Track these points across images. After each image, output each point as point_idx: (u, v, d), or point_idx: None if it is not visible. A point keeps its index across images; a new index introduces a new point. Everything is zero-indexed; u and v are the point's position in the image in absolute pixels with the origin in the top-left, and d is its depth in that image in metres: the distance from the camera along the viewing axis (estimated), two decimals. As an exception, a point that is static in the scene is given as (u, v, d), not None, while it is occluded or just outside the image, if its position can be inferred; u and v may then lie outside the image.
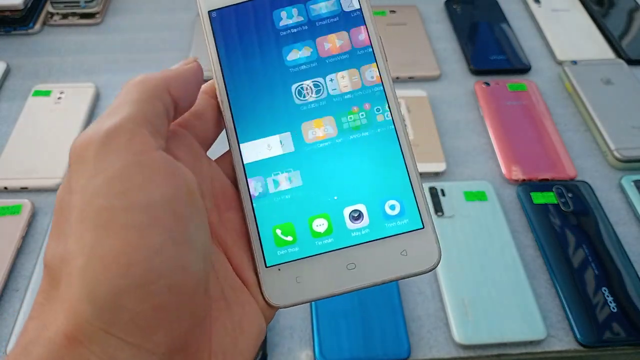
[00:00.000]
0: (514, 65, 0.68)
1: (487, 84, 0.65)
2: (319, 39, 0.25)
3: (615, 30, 0.73)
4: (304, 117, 0.24)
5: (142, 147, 0.19)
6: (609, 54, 0.70)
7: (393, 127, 0.24)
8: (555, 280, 0.48)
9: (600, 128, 0.60)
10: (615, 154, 0.58)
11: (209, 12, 0.25)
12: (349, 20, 0.25)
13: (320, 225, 0.23)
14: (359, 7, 0.25)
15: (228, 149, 0.25)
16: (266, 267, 0.23)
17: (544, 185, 0.55)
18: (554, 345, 0.45)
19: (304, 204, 0.24)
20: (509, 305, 0.46)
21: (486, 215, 0.52)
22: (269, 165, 0.24)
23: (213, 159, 0.25)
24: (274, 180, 0.24)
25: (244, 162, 0.24)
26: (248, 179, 0.24)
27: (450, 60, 0.70)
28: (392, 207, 0.23)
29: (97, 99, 0.64)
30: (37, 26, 0.72)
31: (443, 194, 0.54)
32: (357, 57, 0.24)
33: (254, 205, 0.24)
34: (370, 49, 0.24)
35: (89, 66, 0.69)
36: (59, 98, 0.63)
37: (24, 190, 0.55)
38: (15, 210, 0.52)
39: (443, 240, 0.50)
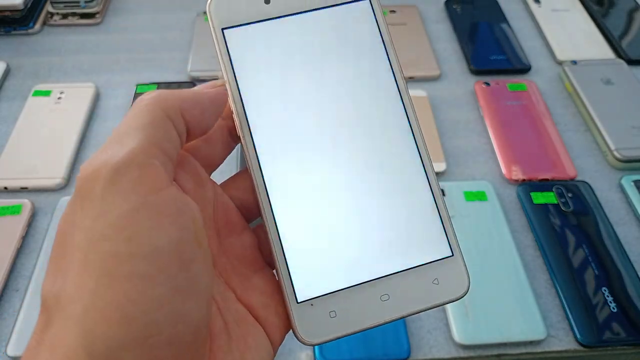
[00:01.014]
0: (514, 65, 0.68)
1: (487, 84, 0.65)
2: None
3: (615, 30, 0.73)
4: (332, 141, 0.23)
5: (152, 184, 0.18)
6: (609, 54, 0.70)
7: (419, 154, 0.24)
8: (555, 280, 0.48)
9: (600, 128, 0.60)
10: (615, 154, 0.58)
11: (222, 29, 0.23)
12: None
13: (352, 256, 0.22)
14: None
15: (236, 172, 0.24)
16: (297, 302, 0.22)
17: (544, 185, 0.55)
18: (554, 345, 0.45)
19: (336, 235, 0.23)
20: (509, 305, 0.46)
21: (486, 215, 0.52)
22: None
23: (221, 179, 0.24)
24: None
25: (271, 200, 0.23)
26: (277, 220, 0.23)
27: (450, 60, 0.70)
28: (423, 236, 0.23)
29: (97, 99, 0.64)
30: (37, 26, 0.72)
31: (443, 194, 0.54)
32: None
33: (282, 237, 0.22)
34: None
35: (89, 66, 0.69)
36: (59, 98, 0.63)
37: (24, 190, 0.55)
38: (15, 210, 0.52)
39: (443, 240, 0.50)
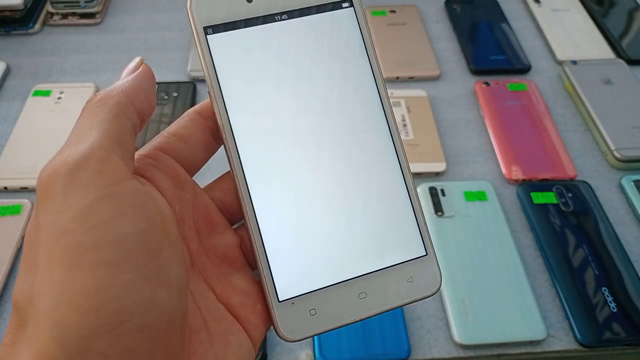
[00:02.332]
0: (514, 65, 0.68)
1: (487, 83, 0.65)
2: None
3: (615, 30, 0.73)
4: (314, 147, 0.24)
5: (113, 177, 0.18)
6: (609, 54, 0.70)
7: (397, 157, 0.24)
8: (555, 280, 0.48)
9: (600, 128, 0.60)
10: (615, 154, 0.58)
11: (204, 28, 0.23)
12: None
13: (331, 255, 0.23)
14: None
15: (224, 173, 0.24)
16: (279, 301, 0.22)
17: (544, 185, 0.55)
18: (554, 345, 0.45)
19: (316, 236, 0.23)
20: (509, 305, 0.46)
21: (486, 215, 0.52)
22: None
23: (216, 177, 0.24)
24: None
25: (253, 200, 0.23)
26: (257, 215, 0.23)
27: (450, 60, 0.70)
28: (399, 236, 0.24)
29: (97, 99, 0.64)
30: (37, 26, 0.72)
31: (443, 194, 0.54)
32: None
33: (264, 237, 0.23)
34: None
35: (89, 66, 0.69)
36: (59, 98, 0.63)
37: (24, 190, 0.55)
38: (15, 210, 0.52)
39: (443, 240, 0.50)
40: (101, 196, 0.18)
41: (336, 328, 0.23)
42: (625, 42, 0.71)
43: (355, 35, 0.25)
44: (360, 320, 0.23)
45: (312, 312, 0.22)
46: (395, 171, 0.24)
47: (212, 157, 0.24)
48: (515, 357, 0.45)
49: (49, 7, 0.74)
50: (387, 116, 0.25)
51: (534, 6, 0.77)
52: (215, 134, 0.24)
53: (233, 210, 0.24)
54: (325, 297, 0.23)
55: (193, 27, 0.23)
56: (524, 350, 0.45)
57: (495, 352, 0.45)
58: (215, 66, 0.23)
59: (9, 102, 0.64)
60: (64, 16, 0.74)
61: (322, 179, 0.24)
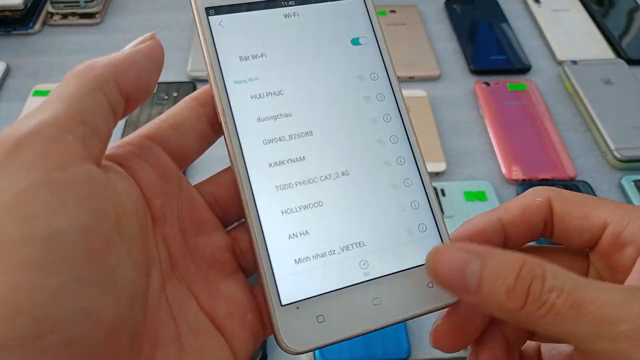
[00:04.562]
0: (514, 65, 0.68)
1: (487, 84, 0.65)
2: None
3: (615, 30, 0.73)
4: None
5: (59, 160, 0.16)
6: (609, 54, 0.70)
7: (412, 154, 0.23)
8: (555, 280, 0.48)
9: (600, 128, 0.60)
10: (615, 154, 0.58)
11: (207, 8, 0.22)
12: None
13: (342, 256, 0.21)
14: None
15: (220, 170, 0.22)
16: (281, 305, 0.20)
17: (544, 185, 0.55)
18: (554, 345, 0.45)
19: (322, 234, 0.21)
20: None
21: (486, 215, 0.52)
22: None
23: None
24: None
25: (254, 190, 0.21)
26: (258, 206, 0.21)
27: (450, 60, 0.70)
28: (417, 237, 0.22)
29: (97, 99, 0.64)
30: (37, 26, 0.72)
31: (443, 194, 0.54)
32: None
33: (265, 234, 0.20)
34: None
35: (89, 66, 0.69)
36: (59, 98, 0.63)
37: (24, 190, 0.55)
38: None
39: (443, 240, 0.50)
40: (40, 181, 0.15)
41: (346, 339, 0.20)
42: (625, 42, 0.71)
43: (365, 27, 0.24)
44: (375, 330, 0.20)
45: (320, 319, 0.20)
46: (410, 167, 0.23)
47: (215, 162, 0.23)
48: (515, 357, 0.45)
49: (49, 7, 0.74)
50: (401, 113, 0.23)
51: (534, 6, 0.77)
52: (213, 123, 0.22)
53: (227, 207, 0.22)
54: (335, 302, 0.20)
55: (194, 7, 0.22)
56: (524, 350, 0.45)
57: (495, 352, 0.45)
58: (217, 48, 0.22)
59: (9, 102, 0.64)
60: (64, 16, 0.74)
61: (332, 173, 0.22)
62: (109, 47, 0.74)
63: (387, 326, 0.21)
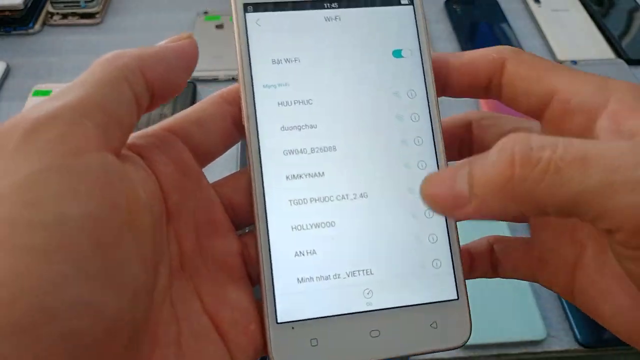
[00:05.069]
0: (514, 65, 0.68)
1: (487, 84, 0.65)
2: None
3: (615, 30, 0.73)
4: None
5: (75, 146, 0.15)
6: (609, 54, 0.70)
7: None
8: (555, 280, 0.48)
9: (600, 128, 0.60)
10: (615, 154, 0.58)
11: (244, 4, 0.21)
12: None
13: (345, 282, 0.20)
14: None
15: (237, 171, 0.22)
16: (277, 323, 0.19)
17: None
18: (554, 345, 0.45)
19: (330, 256, 0.20)
20: (509, 305, 0.46)
21: (486, 215, 0.52)
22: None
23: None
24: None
25: (267, 202, 0.20)
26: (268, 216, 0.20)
27: (450, 60, 0.70)
28: (427, 272, 0.21)
29: (97, 99, 0.64)
30: (37, 26, 0.72)
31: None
32: None
33: (272, 248, 0.20)
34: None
35: (89, 66, 0.69)
36: (59, 98, 0.63)
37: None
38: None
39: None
40: (53, 166, 0.15)
41: None
42: (625, 42, 0.71)
43: (410, 38, 0.22)
44: None
45: (314, 342, 0.19)
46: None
47: (225, 157, 0.22)
48: (515, 357, 0.45)
49: (49, 7, 0.74)
50: (434, 135, 0.22)
51: (534, 6, 0.77)
52: (237, 123, 0.21)
53: (240, 212, 0.21)
54: (331, 328, 0.20)
55: (232, 2, 0.21)
56: (523, 350, 0.45)
57: (495, 352, 0.45)
58: (250, 47, 0.21)
59: (9, 102, 0.64)
60: (64, 16, 0.74)
61: (350, 193, 0.21)
62: (109, 47, 0.73)
63: None
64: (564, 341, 0.45)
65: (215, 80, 0.65)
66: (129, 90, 0.17)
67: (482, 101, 0.63)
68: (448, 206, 0.17)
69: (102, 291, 0.15)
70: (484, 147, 0.21)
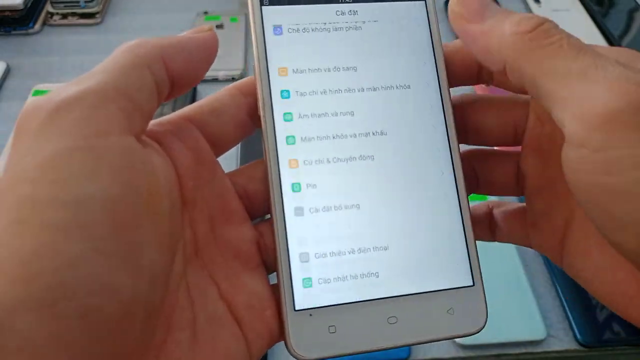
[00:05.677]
0: (514, 65, 0.68)
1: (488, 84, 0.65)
2: None
3: (615, 30, 0.73)
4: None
5: (100, 127, 0.15)
6: (609, 54, 0.70)
7: (453, 173, 0.22)
8: (555, 280, 0.48)
9: (600, 128, 0.60)
10: (615, 154, 0.58)
11: None
12: None
13: (363, 269, 0.21)
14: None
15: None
16: (295, 310, 0.20)
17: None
18: (554, 345, 0.45)
19: (347, 243, 0.21)
20: (509, 305, 0.46)
21: (486, 215, 0.52)
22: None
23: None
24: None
25: (283, 185, 0.21)
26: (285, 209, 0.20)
27: (450, 60, 0.70)
28: (444, 260, 0.21)
29: (97, 99, 0.64)
30: (37, 26, 0.72)
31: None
32: None
33: (289, 233, 0.20)
34: None
35: (89, 66, 0.67)
36: (59, 98, 0.63)
37: (23, 190, 0.55)
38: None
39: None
40: (76, 146, 0.15)
41: (357, 353, 0.20)
42: (625, 42, 0.71)
43: (422, 34, 0.23)
44: (386, 349, 0.20)
45: (332, 329, 0.20)
46: (449, 188, 0.22)
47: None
48: (515, 357, 0.45)
49: (49, 7, 0.74)
50: (447, 128, 0.22)
51: (534, 6, 0.77)
52: (252, 114, 0.21)
53: (256, 201, 0.21)
54: (349, 315, 0.20)
55: None
56: (523, 350, 0.45)
57: (495, 352, 0.45)
58: (266, 39, 0.21)
59: (9, 102, 0.64)
60: (64, 16, 0.74)
61: (366, 183, 0.21)
62: (109, 47, 0.73)
63: (400, 346, 0.20)
64: (564, 341, 0.45)
65: (215, 80, 0.65)
66: (150, 78, 0.18)
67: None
68: (464, 16, 0.19)
69: (119, 272, 0.15)
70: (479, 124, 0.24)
